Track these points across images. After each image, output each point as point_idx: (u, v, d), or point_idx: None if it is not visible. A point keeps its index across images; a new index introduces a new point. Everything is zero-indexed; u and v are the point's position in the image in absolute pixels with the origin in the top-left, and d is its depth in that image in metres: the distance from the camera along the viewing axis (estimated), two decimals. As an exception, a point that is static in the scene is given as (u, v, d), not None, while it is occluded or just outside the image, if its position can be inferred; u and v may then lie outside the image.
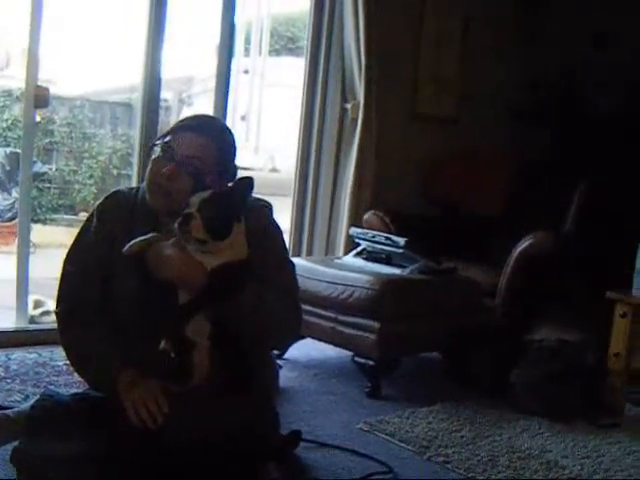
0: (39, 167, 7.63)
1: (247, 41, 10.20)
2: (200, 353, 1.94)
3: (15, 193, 7.07)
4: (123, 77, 7.97)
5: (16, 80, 7.00)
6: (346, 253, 4.19)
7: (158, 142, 2.11)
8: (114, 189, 2.29)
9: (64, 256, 2.20)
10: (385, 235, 3.68)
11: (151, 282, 1.97)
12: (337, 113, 4.57)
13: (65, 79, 9.03)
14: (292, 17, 11.80)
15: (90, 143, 9.03)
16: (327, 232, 4.61)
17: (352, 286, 3.43)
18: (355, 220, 4.41)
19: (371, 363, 3.38)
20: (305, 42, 4.66)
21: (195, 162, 2.04)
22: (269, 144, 10.35)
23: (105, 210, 2.21)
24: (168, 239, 1.98)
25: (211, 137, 2.09)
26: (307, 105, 4.60)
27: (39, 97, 3.59)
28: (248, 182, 1.99)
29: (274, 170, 10.19)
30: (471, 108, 5.03)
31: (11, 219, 6.86)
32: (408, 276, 3.53)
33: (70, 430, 1.93)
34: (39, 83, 3.61)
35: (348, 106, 4.51)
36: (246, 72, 10.33)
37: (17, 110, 7.95)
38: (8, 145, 7.68)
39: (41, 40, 3.57)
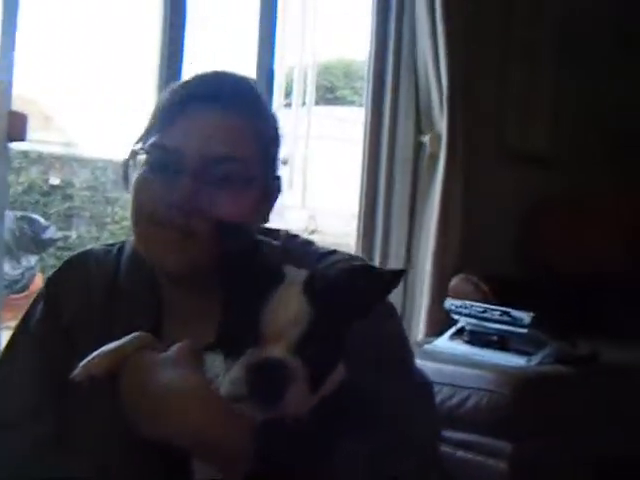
0: (52, 232, 7.13)
1: (287, 94, 9.51)
2: None
3: (25, 262, 6.76)
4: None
5: (32, 143, 6.83)
6: (429, 334, 3.20)
7: (144, 144, 1.10)
8: (78, 251, 1.25)
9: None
10: (502, 309, 2.61)
11: (133, 434, 0.91)
12: (410, 149, 3.54)
13: (87, 140, 8.78)
14: (328, 65, 11.26)
15: (113, 208, 8.69)
16: (401, 309, 3.47)
17: (465, 387, 2.38)
18: (440, 289, 3.32)
19: (499, 504, 2.32)
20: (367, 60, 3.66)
21: (231, 167, 1.02)
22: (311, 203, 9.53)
23: (59, 289, 1.17)
24: (168, 345, 0.94)
25: (247, 112, 1.10)
26: (372, 137, 3.55)
27: (13, 127, 2.60)
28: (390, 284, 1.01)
29: (314, 232, 9.35)
30: (572, 142, 4.04)
31: (21, 290, 6.41)
32: (545, 369, 2.46)
33: None
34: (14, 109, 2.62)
35: (425, 139, 3.49)
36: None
37: (34, 173, 7.89)
38: (25, 209, 7.34)
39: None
